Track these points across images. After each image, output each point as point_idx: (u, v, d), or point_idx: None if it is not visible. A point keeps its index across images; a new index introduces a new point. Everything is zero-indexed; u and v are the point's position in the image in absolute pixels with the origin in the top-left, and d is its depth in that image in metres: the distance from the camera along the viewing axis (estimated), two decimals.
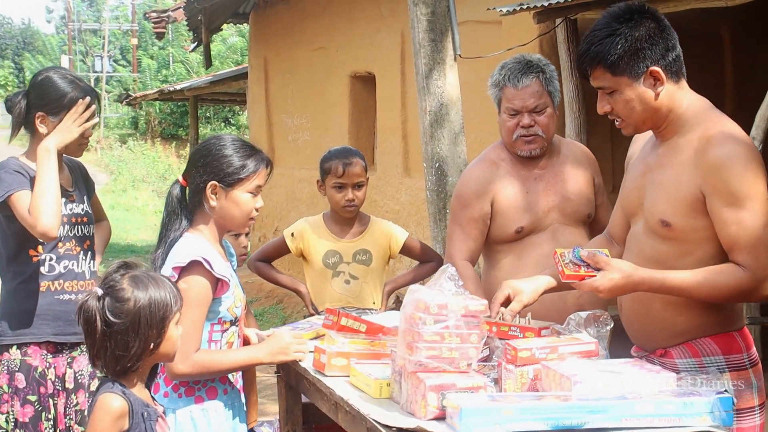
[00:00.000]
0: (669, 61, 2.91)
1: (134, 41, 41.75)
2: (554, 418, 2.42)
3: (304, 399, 3.53)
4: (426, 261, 4.44)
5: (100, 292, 2.58)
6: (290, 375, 3.43)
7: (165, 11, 13.22)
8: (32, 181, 3.46)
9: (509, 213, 3.80)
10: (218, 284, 3.03)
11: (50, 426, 3.48)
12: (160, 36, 13.98)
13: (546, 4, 6.23)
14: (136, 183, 26.99)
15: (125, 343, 2.54)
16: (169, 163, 29.69)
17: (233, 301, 3.10)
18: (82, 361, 3.60)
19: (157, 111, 31.98)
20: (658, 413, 2.46)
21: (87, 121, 3.56)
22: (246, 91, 12.88)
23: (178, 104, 28.70)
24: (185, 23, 12.85)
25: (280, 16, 11.60)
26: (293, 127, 11.33)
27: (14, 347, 3.48)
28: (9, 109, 3.58)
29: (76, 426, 3.55)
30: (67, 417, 3.53)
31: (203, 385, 3.09)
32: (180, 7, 12.46)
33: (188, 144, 31.76)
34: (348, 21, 10.01)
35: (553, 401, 2.48)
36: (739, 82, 8.13)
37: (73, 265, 3.57)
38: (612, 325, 2.96)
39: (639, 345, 3.09)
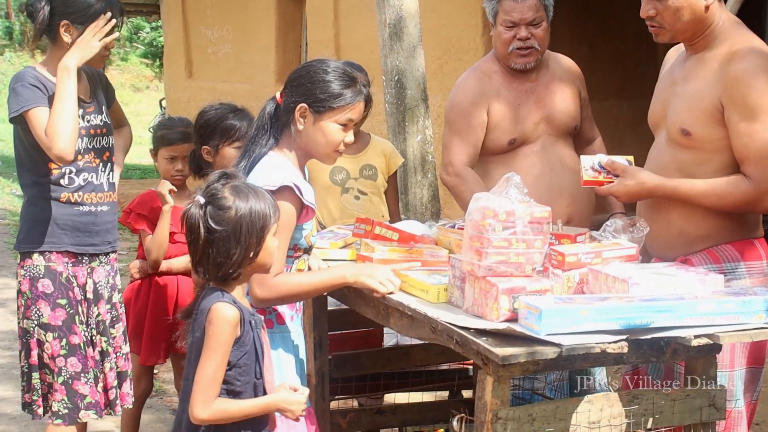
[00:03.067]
0: None
1: None
2: (625, 318, 2.54)
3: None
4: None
5: (202, 200, 2.62)
6: None
7: None
8: (50, 96, 3.39)
9: (502, 125, 3.89)
10: (303, 211, 2.94)
11: (83, 329, 3.47)
12: None
13: None
14: None
15: (227, 250, 2.59)
16: None
17: (311, 229, 3.04)
18: (101, 272, 3.61)
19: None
20: (719, 312, 2.60)
21: (108, 35, 3.47)
22: (158, 1, 12.52)
23: None
24: None
25: None
26: (213, 39, 11.08)
27: (36, 254, 3.47)
28: (30, 14, 3.46)
29: (98, 336, 3.55)
30: (89, 327, 3.52)
31: (273, 308, 3.00)
32: None
33: None
34: None
35: (619, 302, 2.59)
36: None
37: (92, 177, 3.55)
38: (648, 231, 3.07)
39: (658, 255, 3.19)
